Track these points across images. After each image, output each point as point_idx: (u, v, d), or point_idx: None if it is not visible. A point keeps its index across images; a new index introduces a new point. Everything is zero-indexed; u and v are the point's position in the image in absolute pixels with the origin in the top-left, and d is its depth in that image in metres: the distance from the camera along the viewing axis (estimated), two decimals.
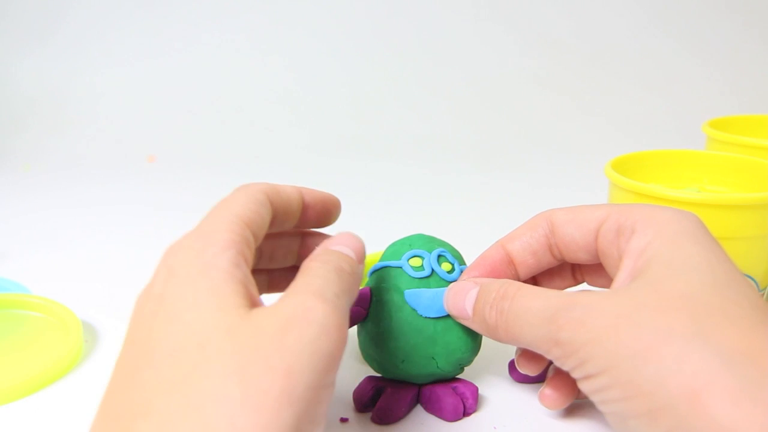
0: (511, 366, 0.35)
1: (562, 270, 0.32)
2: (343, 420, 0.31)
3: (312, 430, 0.21)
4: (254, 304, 0.23)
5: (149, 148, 0.86)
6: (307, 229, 0.33)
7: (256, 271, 0.32)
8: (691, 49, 1.00)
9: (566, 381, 0.29)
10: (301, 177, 0.76)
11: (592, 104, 0.95)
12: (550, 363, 0.31)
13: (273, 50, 0.97)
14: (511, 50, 0.99)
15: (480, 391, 0.32)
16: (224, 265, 0.23)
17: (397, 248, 0.33)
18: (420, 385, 0.32)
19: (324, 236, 0.33)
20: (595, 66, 0.99)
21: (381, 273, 0.32)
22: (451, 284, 0.30)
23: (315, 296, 0.23)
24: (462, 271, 0.32)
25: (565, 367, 0.25)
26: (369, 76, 0.97)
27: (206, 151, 0.85)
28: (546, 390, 0.30)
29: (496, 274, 0.30)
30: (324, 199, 0.31)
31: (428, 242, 0.33)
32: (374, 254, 0.44)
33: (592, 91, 0.97)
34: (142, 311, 0.23)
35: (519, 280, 0.31)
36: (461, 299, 0.29)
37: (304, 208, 0.31)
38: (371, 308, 0.31)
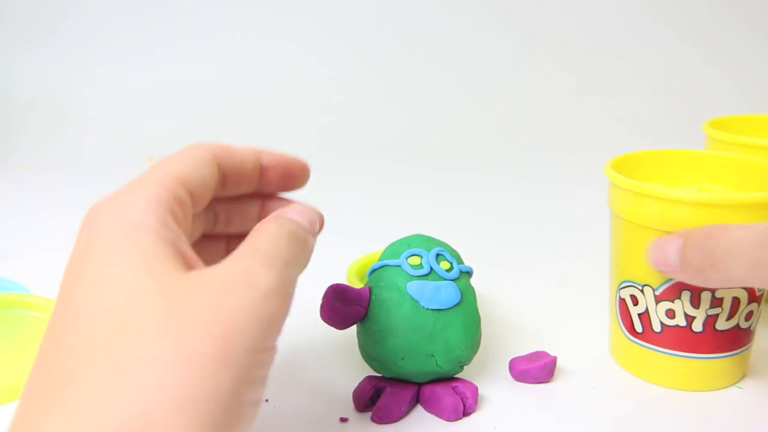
0: (511, 365, 0.35)
1: None
2: (343, 420, 0.31)
3: (253, 393, 0.20)
4: (189, 265, 0.22)
5: (149, 148, 0.85)
6: (269, 194, 0.31)
7: (212, 236, 0.31)
8: (691, 48, 1.00)
9: None
10: None
11: (592, 104, 0.95)
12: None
13: (272, 50, 0.97)
14: (510, 50, 0.99)
15: (480, 391, 0.32)
16: (151, 224, 0.22)
17: (395, 248, 0.33)
18: (420, 385, 0.32)
19: (287, 201, 0.31)
20: (595, 65, 0.99)
21: (380, 272, 0.32)
22: (655, 241, 0.30)
23: (261, 262, 0.22)
24: (461, 270, 0.32)
25: None
26: (367, 75, 0.97)
27: None
28: None
29: None
30: (286, 161, 0.29)
31: (426, 242, 0.33)
32: (373, 254, 0.44)
33: (592, 91, 0.97)
34: (66, 276, 0.22)
35: None
36: (667, 250, 0.29)
37: (263, 170, 0.29)
38: (370, 307, 0.31)
